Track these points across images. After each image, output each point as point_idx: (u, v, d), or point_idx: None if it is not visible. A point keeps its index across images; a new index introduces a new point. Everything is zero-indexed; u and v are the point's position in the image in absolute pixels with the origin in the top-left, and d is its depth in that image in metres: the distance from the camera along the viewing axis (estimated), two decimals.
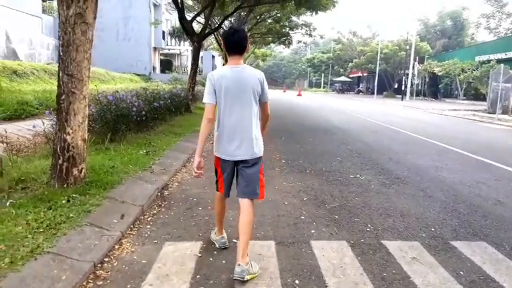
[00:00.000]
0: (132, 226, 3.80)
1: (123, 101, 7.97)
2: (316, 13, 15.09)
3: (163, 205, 4.46)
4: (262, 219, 4.05)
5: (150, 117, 9.01)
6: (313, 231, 3.79)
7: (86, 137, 4.57)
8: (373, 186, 5.50)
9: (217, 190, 3.32)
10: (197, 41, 13.66)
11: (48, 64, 24.25)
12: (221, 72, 3.01)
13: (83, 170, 4.45)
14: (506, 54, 31.44)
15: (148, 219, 4.02)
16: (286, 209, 4.39)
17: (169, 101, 10.74)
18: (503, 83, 21.95)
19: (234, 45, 2.97)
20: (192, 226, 3.86)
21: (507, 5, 52.36)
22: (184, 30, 13.83)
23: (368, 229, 3.88)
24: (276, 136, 9.95)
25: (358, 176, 6.04)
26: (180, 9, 13.23)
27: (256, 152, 3.05)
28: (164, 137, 8.54)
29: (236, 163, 3.08)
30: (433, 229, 3.94)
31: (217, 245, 3.43)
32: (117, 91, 11.85)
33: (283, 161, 6.96)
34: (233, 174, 3.17)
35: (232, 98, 2.95)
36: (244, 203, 3.05)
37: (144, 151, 6.75)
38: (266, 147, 7.91)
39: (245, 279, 2.81)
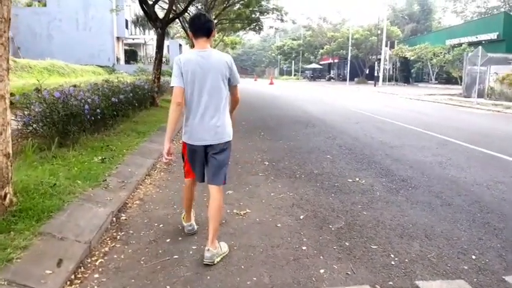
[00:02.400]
0: (72, 277, 2.71)
1: (74, 97, 6.75)
2: None
3: (118, 237, 3.36)
4: (252, 254, 3.03)
5: (109, 115, 7.80)
6: (322, 270, 2.80)
7: (10, 151, 3.40)
8: (379, 193, 4.57)
9: (185, 177, 3.39)
10: (161, 27, 12.36)
11: None
12: (188, 57, 2.96)
13: (8, 196, 3.30)
14: (477, 37, 31.39)
15: (97, 262, 2.93)
16: (280, 235, 3.38)
17: (131, 94, 9.50)
18: (475, 67, 21.66)
19: (200, 27, 2.95)
20: (158, 272, 2.80)
21: None
22: (147, 15, 12.49)
23: (393, 262, 2.92)
24: (254, 131, 8.92)
25: (358, 179, 5.10)
26: None
27: (225, 137, 3.03)
28: (125, 137, 7.37)
29: (205, 148, 3.03)
30: (473, 256, 3.03)
31: (185, 231, 3.45)
32: (76, 85, 10.48)
33: (267, 163, 5.95)
34: (202, 160, 3.10)
35: (200, 83, 2.91)
36: (213, 189, 3.09)
37: (100, 158, 5.59)
38: (245, 146, 6.83)
39: (215, 262, 2.90)
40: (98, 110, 6.90)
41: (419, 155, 6.62)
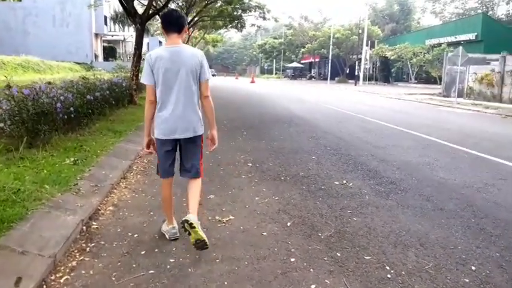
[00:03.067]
0: None
1: (46, 94, 6.35)
2: None
3: (88, 249, 3.05)
4: (236, 269, 2.76)
5: (83, 113, 7.41)
6: (313, 286, 2.56)
7: None
8: (368, 196, 4.36)
9: (158, 174, 3.33)
10: (140, 22, 11.95)
11: None
12: (158, 53, 2.96)
13: None
14: (456, 38, 31.84)
15: (62, 280, 2.61)
16: (267, 245, 3.12)
17: (107, 92, 9.10)
18: (455, 66, 21.86)
19: (171, 22, 2.97)
20: None
21: None
22: (125, 10, 12.07)
23: (389, 275, 2.70)
24: (237, 131, 8.65)
25: (345, 181, 4.89)
26: None
27: (197, 130, 3.07)
28: (101, 137, 7.00)
29: (177, 142, 3.09)
30: (473, 267, 2.83)
31: (167, 236, 3.24)
32: (50, 82, 9.97)
33: (250, 165, 5.69)
34: (174, 154, 3.15)
35: (171, 79, 2.92)
36: (191, 182, 3.16)
37: (72, 159, 5.23)
38: (227, 146, 6.52)
39: (194, 224, 2.80)
40: (72, 109, 6.51)
41: (406, 156, 6.47)
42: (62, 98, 6.36)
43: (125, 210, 3.88)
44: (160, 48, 3.06)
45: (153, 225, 3.52)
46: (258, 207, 3.97)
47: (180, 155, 3.16)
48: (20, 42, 33.19)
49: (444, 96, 23.18)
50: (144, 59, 22.66)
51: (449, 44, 31.57)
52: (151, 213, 3.81)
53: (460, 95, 20.61)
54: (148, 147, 3.21)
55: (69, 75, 20.06)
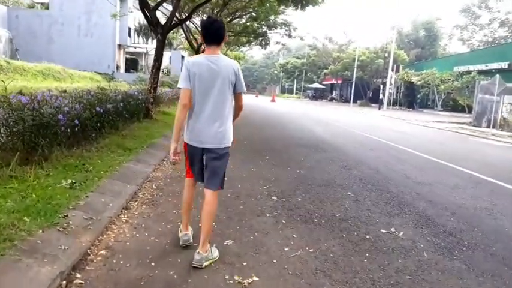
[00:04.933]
0: None
1: (49, 104, 5.67)
2: (303, 9, 13.08)
3: None
4: None
5: (91, 126, 6.70)
6: None
7: None
8: (426, 254, 3.45)
9: (186, 175, 3.32)
10: (162, 33, 11.36)
11: None
12: (197, 60, 3.00)
13: None
14: (486, 66, 30.61)
15: None
16: None
17: (121, 104, 8.41)
18: (489, 96, 20.74)
19: (212, 34, 2.98)
20: None
21: (481, 17, 52.69)
22: (147, 19, 11.50)
23: None
24: (258, 154, 7.81)
25: (393, 230, 3.98)
26: None
27: (225, 142, 3.06)
28: (108, 154, 6.27)
29: (203, 151, 3.08)
30: None
31: (180, 243, 3.32)
32: (65, 90, 9.36)
33: (275, 199, 4.82)
34: (201, 161, 3.14)
35: (206, 86, 2.96)
36: (208, 193, 3.09)
37: (69, 181, 4.48)
38: (247, 172, 5.59)
39: (203, 266, 2.92)
40: (76, 121, 5.79)
41: (457, 197, 5.52)
42: (66, 108, 5.66)
43: (121, 257, 3.04)
44: (199, 55, 3.10)
45: (154, 283, 2.68)
46: (288, 263, 3.09)
47: (205, 163, 3.11)
48: (44, 50, 33.33)
49: (475, 126, 21.96)
50: (165, 73, 22.77)
51: (480, 72, 30.39)
52: (153, 263, 2.97)
53: (492, 126, 19.46)
54: (175, 153, 3.08)
55: (88, 85, 19.68)
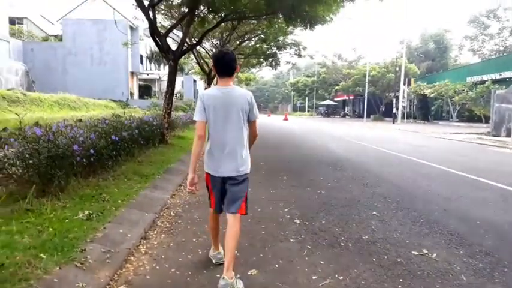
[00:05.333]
0: None
1: (64, 134, 5.64)
2: (312, 28, 13.04)
3: None
4: None
5: (107, 155, 6.65)
6: None
7: None
8: (465, 277, 3.22)
9: (210, 206, 3.36)
10: (173, 59, 11.43)
11: (9, 90, 21.68)
12: (211, 92, 3.14)
13: None
14: (500, 75, 30.21)
15: None
16: None
17: (136, 131, 8.38)
18: (507, 104, 20.33)
19: (224, 67, 3.08)
20: None
21: (490, 27, 52.36)
22: (158, 46, 11.61)
23: None
24: (276, 175, 7.66)
25: (425, 251, 3.76)
26: (152, 22, 11.05)
27: (243, 170, 3.14)
28: (125, 182, 6.20)
29: (224, 179, 3.14)
30: None
31: (213, 261, 3.41)
32: (81, 119, 9.41)
33: (298, 222, 4.65)
34: (222, 190, 3.20)
35: (221, 117, 3.06)
36: (231, 217, 3.12)
37: (86, 212, 4.40)
38: (266, 194, 5.41)
39: None
40: (92, 151, 5.74)
41: (487, 212, 5.25)
42: (81, 138, 5.62)
43: None
44: (212, 88, 3.24)
45: None
46: None
47: (224, 191, 3.20)
48: (60, 81, 34.09)
49: (493, 135, 21.47)
50: (178, 97, 23.15)
51: (494, 81, 29.95)
52: None
53: (509, 135, 18.99)
54: (192, 184, 3.19)
55: (103, 113, 19.92)
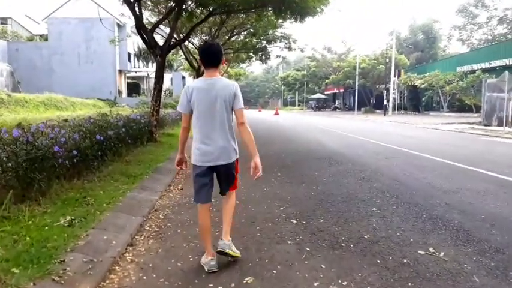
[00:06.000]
0: None
1: (44, 135, 5.32)
2: (302, 20, 12.75)
3: None
4: None
5: (92, 155, 6.34)
6: None
7: None
8: (478, 278, 2.99)
9: (197, 201, 3.32)
10: (160, 54, 11.09)
11: None
12: (195, 84, 3.22)
13: None
14: (490, 64, 30.24)
15: None
16: None
17: (123, 130, 8.07)
18: (498, 93, 20.27)
19: (209, 58, 3.15)
20: None
21: (478, 16, 52.50)
22: (145, 42, 11.26)
23: None
24: (269, 171, 7.37)
25: (432, 250, 3.52)
26: (137, 17, 10.69)
27: (231, 157, 3.23)
28: (111, 183, 5.90)
29: (213, 169, 3.22)
30: None
31: (206, 269, 3.18)
32: (67, 119, 9.07)
33: (295, 222, 4.39)
34: (211, 179, 3.26)
35: (206, 108, 3.13)
36: (226, 195, 3.41)
37: (68, 218, 4.10)
38: (260, 192, 5.16)
39: (226, 251, 3.21)
40: (75, 151, 5.43)
41: (491, 205, 5.05)
42: (62, 139, 5.30)
43: None
44: (197, 80, 3.32)
45: None
46: None
47: (217, 179, 3.33)
48: (46, 81, 33.42)
49: (485, 125, 21.44)
50: (168, 94, 22.98)
51: (484, 70, 29.96)
52: None
53: (500, 123, 18.97)
54: (179, 163, 3.42)
55: (90, 112, 19.44)
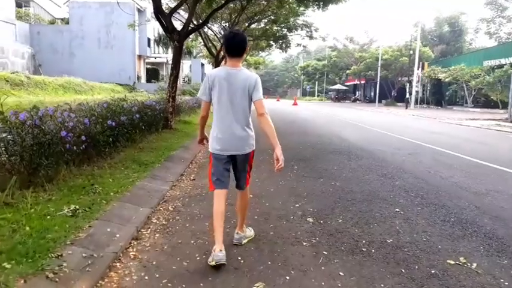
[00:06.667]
0: None
1: (53, 119, 5.12)
2: (324, 8, 12.32)
3: None
4: None
5: (104, 141, 6.14)
6: None
7: None
8: None
9: (211, 188, 3.29)
10: (178, 39, 10.82)
11: (13, 73, 21.21)
12: (217, 72, 3.19)
13: None
14: None
15: None
16: None
17: (137, 115, 7.85)
18: None
19: (234, 47, 3.14)
20: None
21: (507, 9, 50.52)
22: (162, 26, 11.00)
23: None
24: (285, 164, 7.05)
25: (463, 260, 3.18)
26: (155, 0, 10.41)
27: (247, 148, 3.23)
28: (122, 170, 5.71)
29: (229, 158, 3.23)
30: None
31: (211, 259, 2.99)
32: (81, 103, 8.89)
33: (311, 221, 4.09)
34: (228, 168, 3.27)
35: (226, 98, 3.12)
36: (240, 192, 3.43)
37: (72, 207, 3.89)
38: (275, 186, 5.69)
39: (243, 243, 3.38)
40: (83, 137, 5.22)
41: None
42: (71, 124, 5.09)
43: None
44: (220, 68, 3.27)
45: None
46: None
47: (233, 171, 3.32)
48: (66, 64, 33.56)
49: None
50: (187, 81, 22.85)
51: None
52: None
53: None
54: (201, 141, 3.54)
55: (108, 97, 19.34)
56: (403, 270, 2.97)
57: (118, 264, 3.03)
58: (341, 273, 2.91)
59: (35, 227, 3.34)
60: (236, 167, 3.30)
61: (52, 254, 2.87)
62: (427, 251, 3.34)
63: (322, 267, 3.01)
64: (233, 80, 3.10)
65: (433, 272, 2.97)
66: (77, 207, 3.90)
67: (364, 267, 3.03)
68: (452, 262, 3.14)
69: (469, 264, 3.10)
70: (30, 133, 4.51)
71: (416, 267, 3.04)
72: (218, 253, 2.96)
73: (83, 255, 2.97)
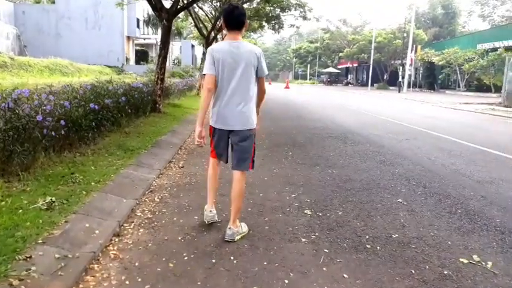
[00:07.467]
0: None
1: (29, 103, 4.72)
2: None
3: None
4: None
5: (86, 126, 5.74)
6: None
7: None
8: None
9: (210, 155, 3.37)
10: (167, 18, 10.32)
11: None
12: (220, 46, 3.17)
13: None
14: None
15: None
16: None
17: (123, 98, 7.44)
18: None
19: (233, 21, 3.12)
20: None
21: None
22: (151, 4, 10.49)
23: None
24: (279, 150, 6.78)
25: (477, 258, 2.90)
26: None
27: (249, 123, 3.17)
28: (105, 157, 5.35)
29: (229, 133, 3.19)
30: None
31: (206, 220, 3.39)
32: (69, 85, 8.40)
33: (309, 213, 3.79)
34: (226, 143, 3.26)
35: (229, 71, 3.07)
36: (237, 174, 3.22)
37: (48, 199, 3.53)
38: (269, 174, 5.38)
39: (235, 239, 3.11)
40: (62, 122, 4.82)
41: None
42: (48, 107, 4.69)
43: None
44: (221, 42, 3.37)
45: None
46: None
47: (231, 147, 3.24)
48: (53, 45, 32.61)
49: (506, 106, 20.47)
50: (177, 64, 22.38)
51: (507, 49, 28.57)
52: None
53: None
54: (200, 137, 3.19)
55: (95, 79, 18.68)
56: (413, 271, 2.69)
57: (96, 266, 2.70)
58: (345, 275, 2.61)
59: (3, 223, 3.00)
60: (237, 146, 3.19)
61: (20, 256, 2.53)
62: (437, 248, 3.06)
63: (324, 268, 2.71)
64: (236, 52, 3.06)
65: (445, 273, 2.68)
66: (53, 199, 3.55)
67: (369, 267, 2.74)
68: (466, 261, 2.86)
69: (483, 263, 2.83)
70: (2, 117, 4.13)
71: (427, 267, 2.76)
72: (208, 213, 3.38)
73: (55, 257, 2.64)
